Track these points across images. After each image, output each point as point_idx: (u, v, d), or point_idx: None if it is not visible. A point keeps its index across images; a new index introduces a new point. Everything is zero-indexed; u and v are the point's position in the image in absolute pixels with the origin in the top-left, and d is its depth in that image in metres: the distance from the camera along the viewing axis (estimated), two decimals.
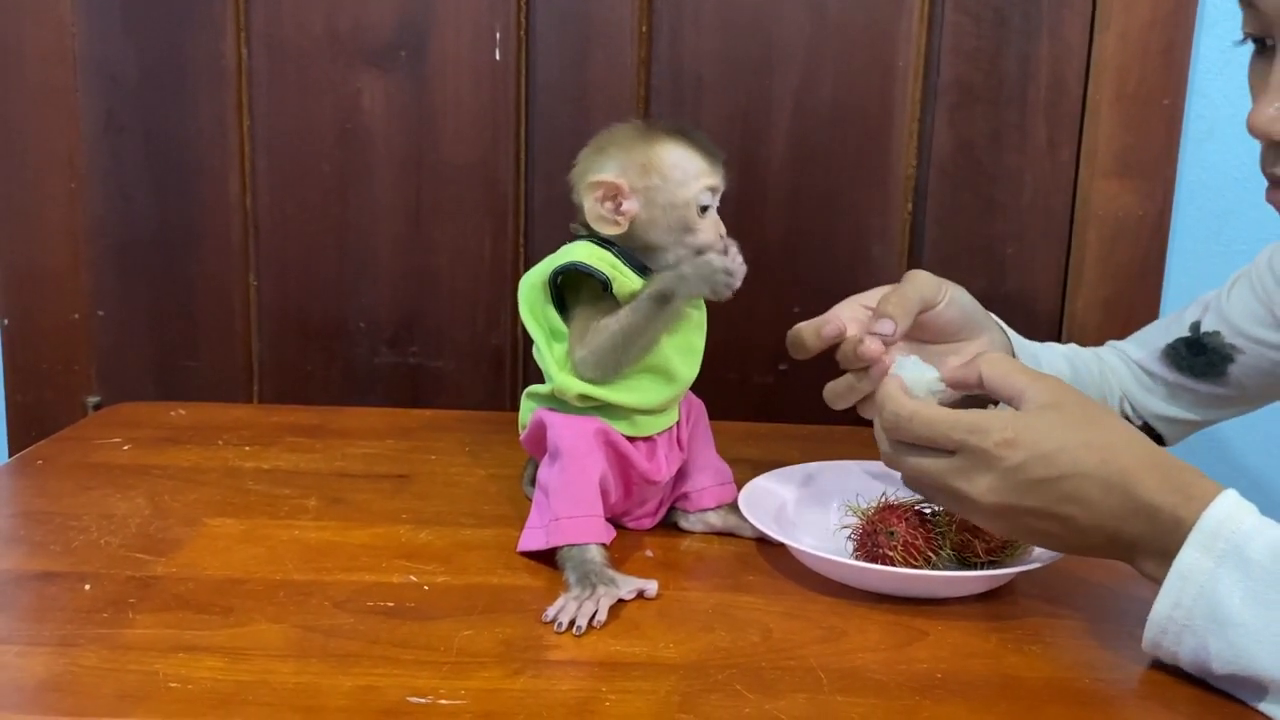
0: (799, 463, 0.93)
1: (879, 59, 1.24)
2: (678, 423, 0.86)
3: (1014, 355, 0.92)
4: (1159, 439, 1.00)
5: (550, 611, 0.72)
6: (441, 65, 1.26)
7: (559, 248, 0.83)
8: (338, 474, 0.99)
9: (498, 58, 1.25)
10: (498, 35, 1.24)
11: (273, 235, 1.30)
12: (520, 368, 1.32)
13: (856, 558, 0.78)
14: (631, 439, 0.82)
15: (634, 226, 0.80)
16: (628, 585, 0.75)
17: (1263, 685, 0.63)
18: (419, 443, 1.08)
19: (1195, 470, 0.67)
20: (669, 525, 0.88)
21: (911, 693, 0.65)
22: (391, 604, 0.74)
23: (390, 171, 1.28)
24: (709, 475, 0.88)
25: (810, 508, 0.89)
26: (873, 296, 0.87)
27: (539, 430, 0.83)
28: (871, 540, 0.78)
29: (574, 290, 0.81)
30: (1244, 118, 0.71)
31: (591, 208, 0.80)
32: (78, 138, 1.28)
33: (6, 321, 1.32)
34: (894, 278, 1.25)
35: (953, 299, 0.87)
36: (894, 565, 0.76)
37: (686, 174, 0.80)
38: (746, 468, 0.91)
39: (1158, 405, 1.00)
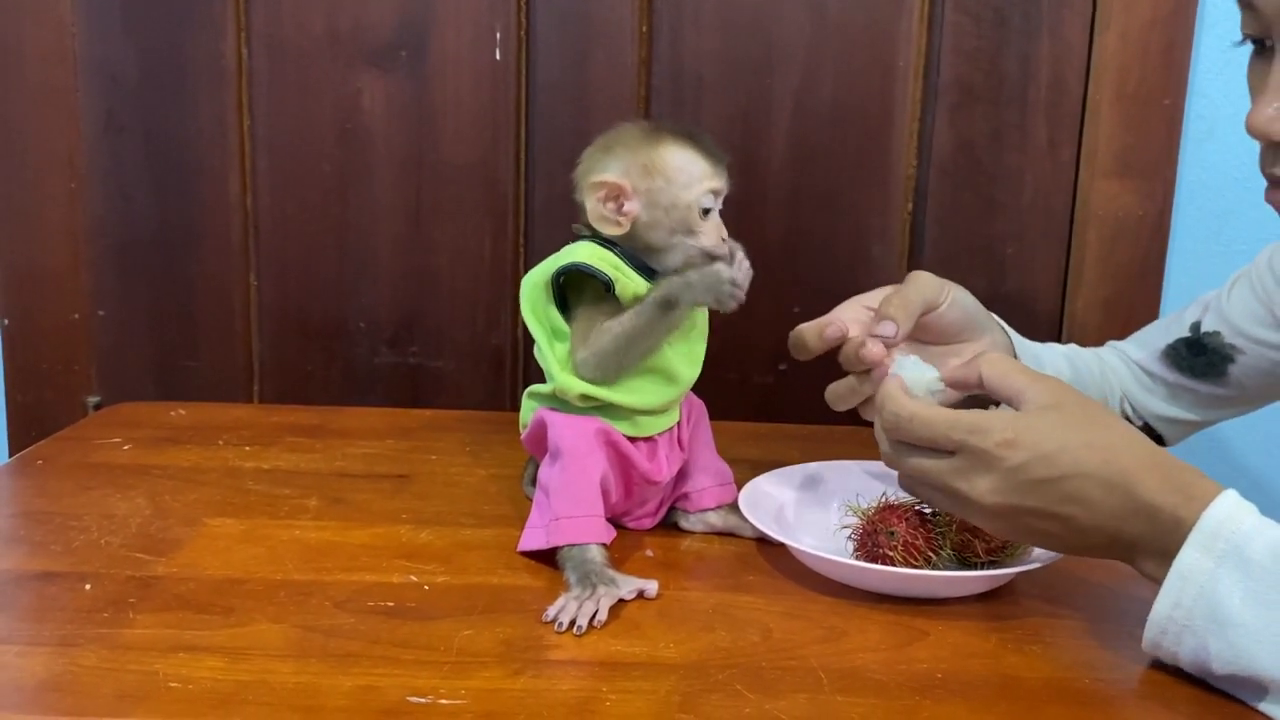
0: (799, 463, 0.93)
1: (879, 59, 1.24)
2: (678, 423, 0.86)
3: (1015, 356, 0.92)
4: (1159, 439, 1.00)
5: (551, 611, 0.72)
6: (442, 65, 1.26)
7: (559, 248, 0.83)
8: (338, 474, 0.99)
9: (498, 58, 1.25)
10: (498, 35, 1.24)
11: (273, 235, 1.30)
12: (520, 368, 1.32)
13: (857, 558, 0.78)
14: (632, 439, 0.82)
15: (636, 227, 0.80)
16: (628, 585, 0.75)
17: (1263, 685, 0.63)
18: (419, 443, 1.08)
19: (1196, 470, 0.67)
20: (669, 525, 0.88)
21: (912, 693, 0.65)
22: (392, 604, 0.74)
23: (390, 171, 1.28)
24: (709, 475, 0.88)
25: (810, 508, 0.89)
26: (875, 297, 0.87)
27: (540, 430, 0.83)
28: (872, 540, 0.78)
29: (576, 290, 0.81)
30: (1244, 118, 0.71)
31: (594, 208, 0.80)
32: (78, 138, 1.28)
33: (7, 321, 1.32)
34: (894, 278, 1.25)
35: (955, 300, 0.87)
36: (894, 565, 0.76)
37: (690, 176, 0.80)
38: (747, 468, 0.91)
39: (1158, 405, 1.00)
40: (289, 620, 0.72)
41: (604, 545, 0.78)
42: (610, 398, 0.80)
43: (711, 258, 0.80)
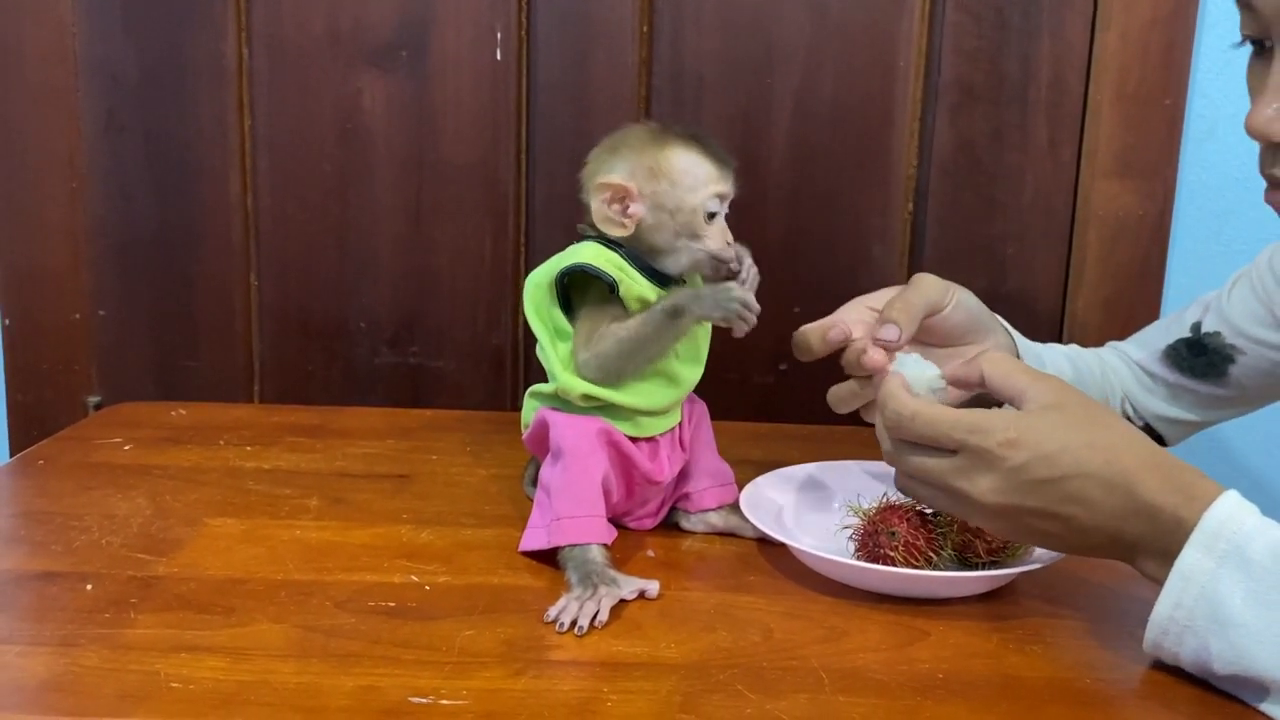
0: (800, 463, 0.93)
1: (880, 59, 1.24)
2: (680, 423, 0.86)
3: (1018, 356, 0.92)
4: (1160, 440, 1.00)
5: (552, 612, 0.72)
6: (442, 65, 1.26)
7: (560, 248, 0.83)
8: (338, 474, 0.99)
9: (498, 57, 1.25)
10: (498, 35, 1.24)
11: (273, 235, 1.30)
12: (521, 367, 1.32)
13: (858, 558, 0.78)
14: (634, 439, 0.82)
15: (640, 229, 0.80)
16: (629, 585, 0.75)
17: (1264, 686, 0.63)
18: (420, 443, 1.08)
19: (1197, 471, 0.68)
20: (670, 525, 0.88)
21: (913, 693, 0.65)
22: (393, 604, 0.74)
23: (391, 171, 1.28)
24: (710, 476, 0.88)
25: (811, 508, 0.89)
26: (879, 298, 0.86)
27: (542, 429, 0.83)
28: (873, 540, 0.78)
29: (580, 291, 0.81)
30: (1244, 118, 0.71)
31: (598, 209, 0.80)
32: (78, 137, 1.28)
33: (7, 321, 1.32)
34: (895, 278, 1.26)
35: (959, 303, 0.87)
36: (895, 565, 0.76)
37: (696, 180, 0.80)
38: (747, 468, 0.91)
39: (1159, 406, 1.00)
40: (290, 620, 0.72)
41: (605, 545, 0.78)
42: (612, 398, 0.80)
43: (727, 275, 0.81)
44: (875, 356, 0.80)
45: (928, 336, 0.87)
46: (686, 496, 0.87)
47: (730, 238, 0.82)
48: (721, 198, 0.81)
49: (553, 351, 0.82)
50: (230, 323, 1.32)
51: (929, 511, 0.79)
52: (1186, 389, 0.99)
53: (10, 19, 1.25)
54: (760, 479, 0.89)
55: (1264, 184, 0.74)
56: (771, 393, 1.31)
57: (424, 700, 0.63)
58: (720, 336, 0.87)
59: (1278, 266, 0.94)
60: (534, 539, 0.81)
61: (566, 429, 0.81)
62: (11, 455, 1.24)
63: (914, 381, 0.75)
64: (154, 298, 1.32)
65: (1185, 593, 0.64)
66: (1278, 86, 0.69)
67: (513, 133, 1.27)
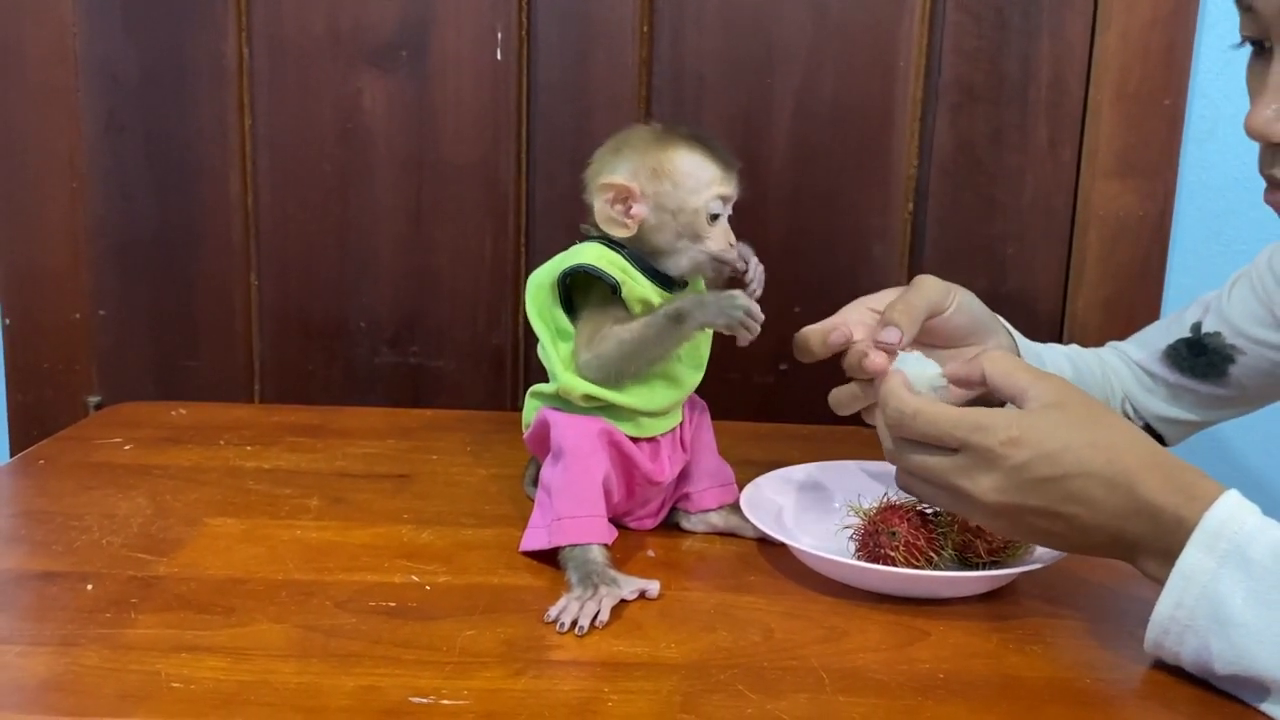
0: (800, 463, 0.93)
1: (880, 59, 1.25)
2: (681, 424, 0.86)
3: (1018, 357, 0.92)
4: (1160, 440, 1.00)
5: (552, 611, 0.72)
6: (442, 65, 1.26)
7: (560, 248, 0.83)
8: (339, 474, 0.99)
9: (499, 57, 1.25)
10: (499, 35, 1.24)
11: (274, 235, 1.30)
12: (521, 367, 1.32)
13: (858, 558, 0.78)
14: (635, 439, 0.82)
15: (643, 230, 0.80)
16: (630, 585, 0.75)
17: (1264, 685, 0.63)
18: (420, 443, 1.08)
19: (1198, 471, 0.68)
20: (671, 525, 0.88)
21: (913, 693, 0.65)
22: (393, 604, 0.74)
23: (391, 171, 1.28)
24: (711, 476, 0.88)
25: (812, 508, 0.89)
26: (880, 299, 0.86)
27: (543, 429, 0.83)
28: (873, 540, 0.78)
29: (582, 291, 0.81)
30: (1243, 119, 0.71)
31: (601, 209, 0.80)
32: (79, 137, 1.28)
33: (8, 321, 1.32)
34: (895, 278, 1.26)
35: (961, 304, 0.87)
36: (895, 565, 0.76)
37: (698, 181, 0.80)
38: (748, 468, 0.91)
39: (1159, 406, 1.00)
40: (290, 620, 0.72)
41: (606, 545, 0.78)
42: (613, 399, 0.80)
43: (733, 275, 0.81)
44: (877, 360, 0.80)
45: (929, 338, 0.87)
46: (687, 496, 0.87)
47: (733, 239, 0.82)
48: (724, 199, 0.81)
49: (554, 351, 0.81)
50: (230, 323, 1.32)
51: (929, 511, 0.79)
52: (1186, 389, 0.99)
53: (11, 19, 1.25)
54: (760, 479, 0.89)
55: (1264, 184, 0.74)
56: (772, 393, 1.31)
57: (424, 700, 0.63)
58: (722, 337, 0.87)
59: (1278, 267, 0.94)
60: (534, 539, 0.81)
61: (568, 429, 0.81)
62: (12, 455, 1.24)
63: (915, 380, 0.75)
64: (154, 298, 1.32)
65: (1186, 592, 0.64)
66: (1277, 87, 0.69)
67: (513, 133, 1.27)
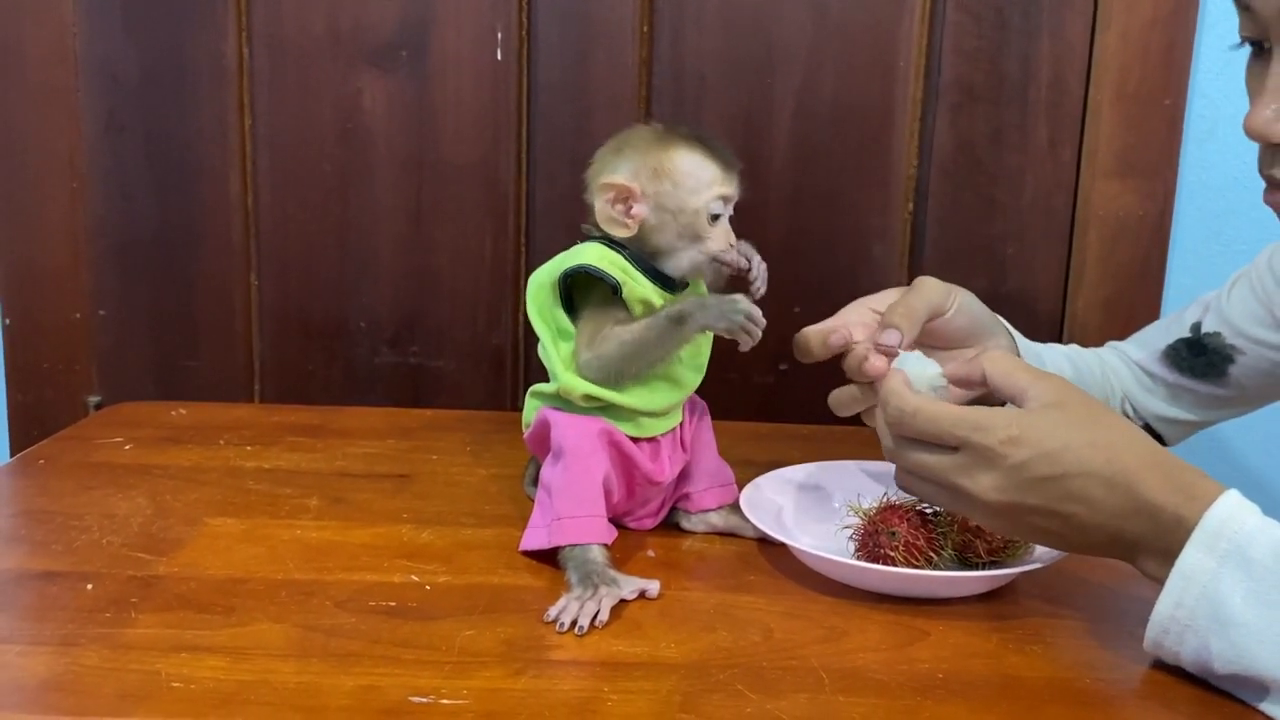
0: (800, 463, 0.93)
1: (880, 59, 1.25)
2: (681, 424, 0.86)
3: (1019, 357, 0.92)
4: (1160, 440, 1.00)
5: (552, 611, 0.72)
6: (442, 65, 1.26)
7: (560, 248, 0.83)
8: (339, 474, 0.99)
9: (499, 57, 1.25)
10: (499, 35, 1.25)
11: (274, 235, 1.30)
12: (521, 367, 1.32)
13: (858, 558, 0.78)
14: (635, 439, 0.82)
15: (643, 230, 0.80)
16: (629, 585, 0.75)
17: (1264, 685, 0.63)
18: (420, 442, 1.08)
19: (1198, 470, 0.68)
20: (670, 525, 0.88)
21: (913, 693, 0.65)
22: (393, 604, 0.74)
23: (391, 171, 1.28)
24: (711, 476, 0.88)
25: (811, 508, 0.89)
26: (881, 300, 0.86)
27: (543, 429, 0.83)
28: (873, 540, 0.78)
29: (583, 291, 0.81)
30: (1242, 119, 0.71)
31: (602, 209, 0.80)
32: (79, 137, 1.28)
33: (8, 321, 1.32)
34: (895, 278, 1.26)
35: (961, 306, 0.87)
36: (895, 565, 0.76)
37: (699, 182, 0.80)
38: (748, 468, 0.91)
39: (1158, 406, 1.00)
40: (290, 620, 0.72)
41: (605, 545, 0.78)
42: (614, 399, 0.80)
43: (737, 274, 0.81)
44: (876, 364, 0.80)
45: (930, 339, 0.87)
46: (687, 496, 0.87)
47: (733, 240, 0.82)
48: (725, 200, 0.81)
49: (554, 351, 0.82)
50: (230, 323, 1.32)
51: (929, 511, 0.79)
52: (1186, 389, 0.99)
53: (11, 19, 1.25)
54: (760, 479, 0.89)
55: (1263, 184, 0.74)
56: (772, 393, 1.31)
57: (424, 700, 0.63)
58: (721, 336, 0.87)
59: (1277, 267, 0.94)
60: (534, 539, 0.81)
61: (568, 429, 0.81)
62: (12, 455, 1.24)
63: (915, 379, 0.75)
64: (154, 298, 1.32)
65: (1186, 592, 0.64)
66: (1276, 88, 0.69)
67: (513, 133, 1.27)
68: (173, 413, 1.14)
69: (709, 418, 0.89)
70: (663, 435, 0.84)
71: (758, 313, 0.76)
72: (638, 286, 0.80)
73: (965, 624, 0.74)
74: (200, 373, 1.33)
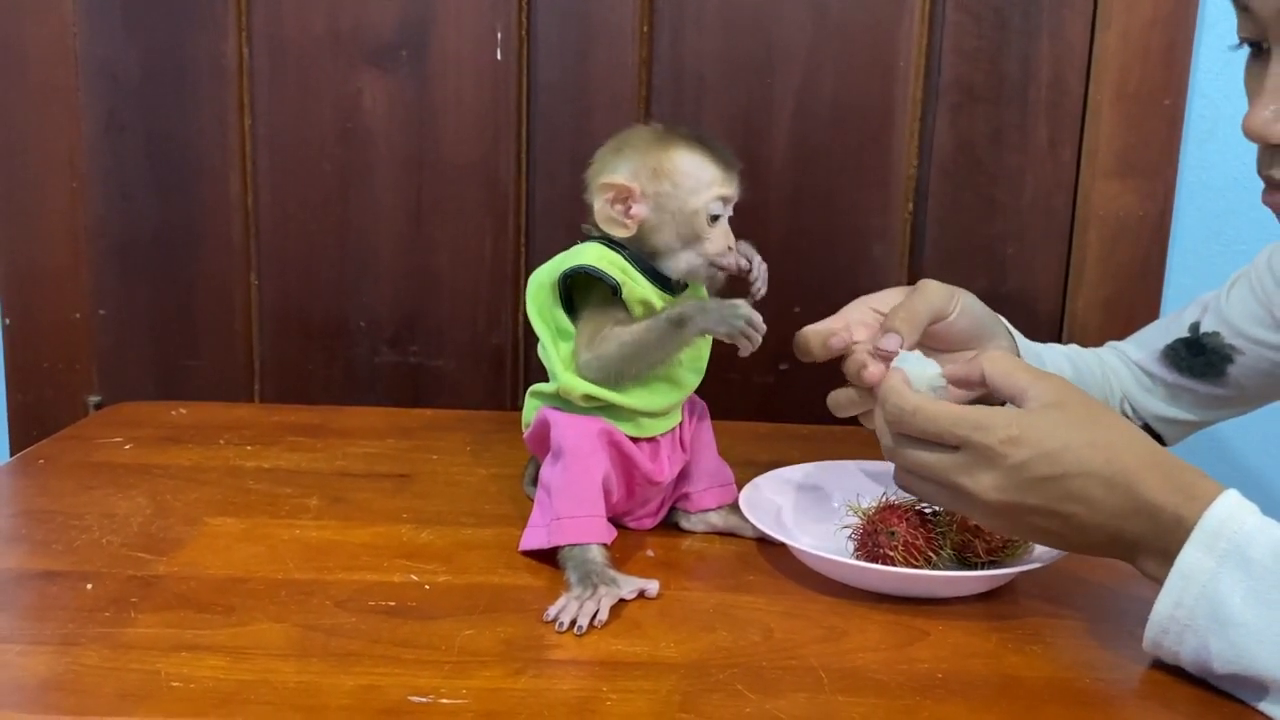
0: (800, 462, 0.93)
1: (880, 59, 1.25)
2: (680, 424, 0.86)
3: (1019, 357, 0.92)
4: (1159, 440, 1.00)
5: (551, 611, 0.72)
6: (442, 65, 1.26)
7: (560, 248, 0.83)
8: (339, 473, 0.99)
9: (499, 57, 1.25)
10: (499, 35, 1.25)
11: (274, 235, 1.30)
12: (521, 367, 1.32)
13: (857, 557, 0.79)
14: (635, 439, 0.82)
15: (643, 230, 0.80)
16: (629, 585, 0.75)
17: (1263, 685, 0.63)
18: (420, 442, 1.08)
19: (1197, 470, 0.68)
20: (670, 525, 0.88)
21: (912, 692, 0.65)
22: (393, 603, 0.74)
23: (391, 171, 1.28)
24: (710, 476, 0.88)
25: (811, 507, 0.89)
26: (883, 299, 0.86)
27: (543, 429, 0.83)
28: (872, 540, 0.78)
29: (583, 291, 0.81)
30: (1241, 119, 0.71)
31: (601, 209, 0.80)
32: (79, 137, 1.28)
33: (8, 320, 1.32)
34: (895, 278, 1.26)
35: (965, 308, 0.87)
36: (894, 565, 0.76)
37: (698, 182, 0.80)
38: (747, 468, 0.91)
39: (1158, 406, 1.00)
40: (290, 619, 0.72)
41: (605, 545, 0.78)
42: (613, 399, 0.80)
43: (738, 274, 0.81)
44: (875, 372, 0.80)
45: (931, 342, 0.86)
46: (686, 496, 0.87)
47: (732, 241, 0.82)
48: (725, 200, 0.81)
49: (554, 351, 0.82)
50: (230, 322, 1.32)
51: (928, 511, 0.79)
52: (1185, 389, 0.99)
53: (11, 18, 1.25)
54: (760, 479, 0.89)
55: (1263, 184, 0.74)
56: (772, 393, 1.31)
57: (424, 699, 0.63)
58: None
59: (1276, 267, 0.94)
60: (534, 538, 0.81)
61: (567, 429, 0.81)
62: (12, 454, 1.24)
63: (915, 379, 0.75)
64: (154, 297, 1.32)
65: (1185, 592, 0.64)
66: (1275, 88, 0.69)
67: (513, 133, 1.27)
68: (173, 413, 1.14)
69: (709, 418, 0.89)
70: (662, 435, 0.84)
71: (758, 318, 0.76)
72: (637, 287, 0.80)
73: (965, 624, 0.74)
74: (200, 373, 1.33)
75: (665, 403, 0.83)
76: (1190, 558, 0.64)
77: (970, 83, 1.25)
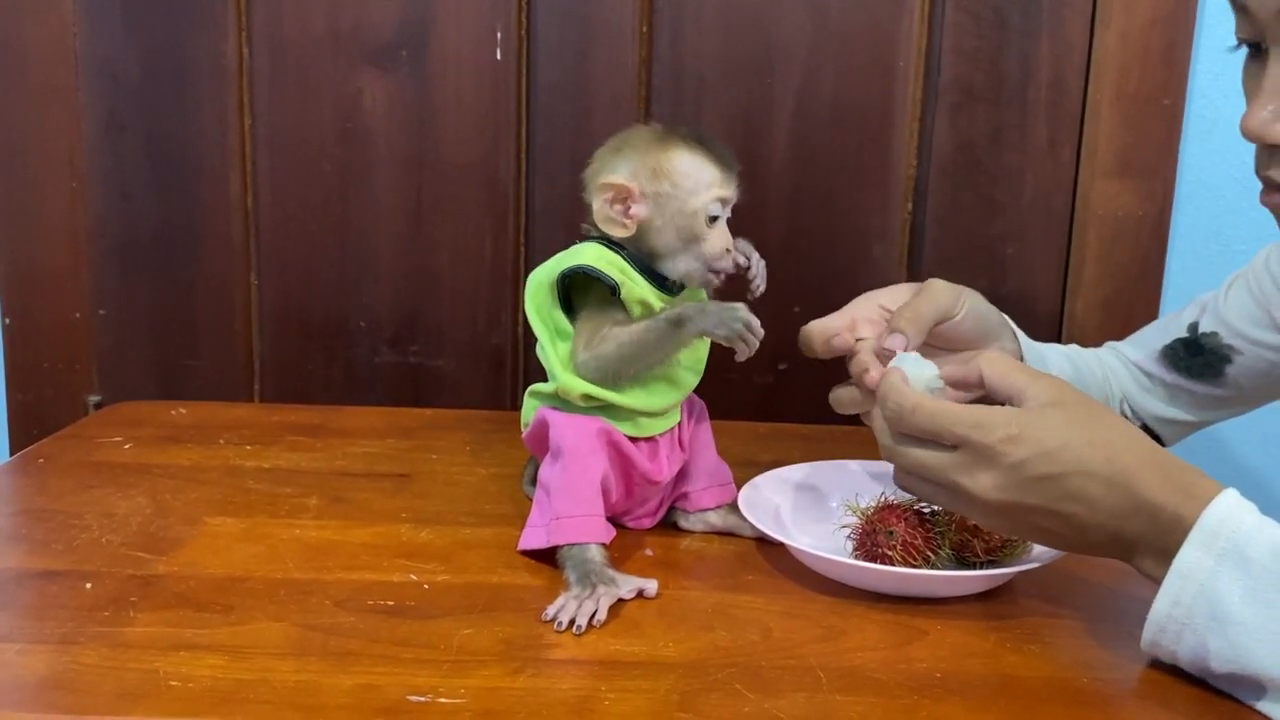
0: (799, 462, 0.93)
1: (880, 59, 1.25)
2: (679, 423, 0.86)
3: (1022, 359, 0.92)
4: (1157, 441, 1.00)
5: (550, 610, 0.72)
6: (442, 65, 1.26)
7: (560, 248, 0.83)
8: (338, 473, 0.99)
9: (499, 57, 1.25)
10: (499, 35, 1.25)
11: (274, 235, 1.30)
12: (521, 367, 1.32)
13: (856, 557, 0.79)
14: (634, 439, 0.82)
15: (641, 231, 0.80)
16: (628, 584, 0.75)
17: (1261, 684, 0.63)
18: (419, 442, 1.08)
19: (1196, 470, 0.68)
20: (669, 525, 0.88)
21: (910, 692, 0.65)
22: (392, 603, 0.74)
23: (391, 171, 1.28)
24: (709, 475, 0.88)
25: (810, 507, 0.89)
26: (890, 296, 0.86)
27: (541, 429, 0.83)
28: (871, 540, 0.78)
29: (581, 291, 0.81)
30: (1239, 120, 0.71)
31: (600, 209, 0.80)
32: (79, 137, 1.28)
33: (8, 320, 1.32)
34: (895, 278, 1.26)
35: (971, 309, 0.86)
36: (893, 565, 0.76)
37: (698, 183, 0.80)
38: (746, 467, 0.91)
39: (1156, 407, 1.00)
40: (289, 619, 0.72)
41: (604, 545, 0.78)
42: (612, 399, 0.80)
43: (737, 271, 0.81)
44: (878, 376, 0.80)
45: (937, 341, 0.86)
46: (685, 496, 0.87)
47: (730, 242, 0.82)
48: (724, 201, 0.81)
49: (553, 351, 0.82)
50: (230, 322, 1.32)
51: (927, 511, 0.79)
52: (1183, 389, 0.99)
53: (11, 18, 1.26)
54: (759, 478, 0.89)
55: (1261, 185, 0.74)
56: (771, 392, 1.31)
57: (422, 699, 0.63)
58: None
59: (1275, 268, 0.94)
60: (533, 538, 0.81)
61: (566, 428, 0.81)
62: (12, 454, 1.24)
63: (913, 380, 0.75)
64: (154, 297, 1.32)
65: (1184, 590, 0.65)
66: (1273, 89, 0.69)
67: (513, 133, 1.27)
68: (173, 412, 1.14)
69: (708, 417, 0.89)
70: (661, 435, 0.84)
71: (756, 322, 0.77)
72: (636, 287, 0.80)
73: (963, 623, 0.74)
74: (200, 372, 1.33)
75: (664, 402, 0.83)
76: (1189, 556, 0.64)
77: (970, 83, 1.25)
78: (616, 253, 0.81)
